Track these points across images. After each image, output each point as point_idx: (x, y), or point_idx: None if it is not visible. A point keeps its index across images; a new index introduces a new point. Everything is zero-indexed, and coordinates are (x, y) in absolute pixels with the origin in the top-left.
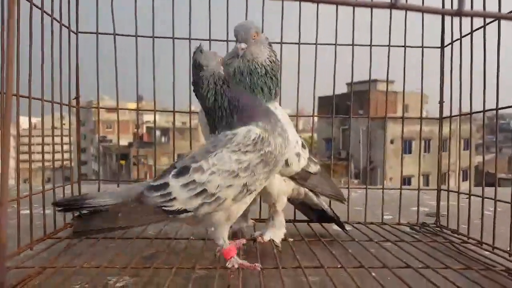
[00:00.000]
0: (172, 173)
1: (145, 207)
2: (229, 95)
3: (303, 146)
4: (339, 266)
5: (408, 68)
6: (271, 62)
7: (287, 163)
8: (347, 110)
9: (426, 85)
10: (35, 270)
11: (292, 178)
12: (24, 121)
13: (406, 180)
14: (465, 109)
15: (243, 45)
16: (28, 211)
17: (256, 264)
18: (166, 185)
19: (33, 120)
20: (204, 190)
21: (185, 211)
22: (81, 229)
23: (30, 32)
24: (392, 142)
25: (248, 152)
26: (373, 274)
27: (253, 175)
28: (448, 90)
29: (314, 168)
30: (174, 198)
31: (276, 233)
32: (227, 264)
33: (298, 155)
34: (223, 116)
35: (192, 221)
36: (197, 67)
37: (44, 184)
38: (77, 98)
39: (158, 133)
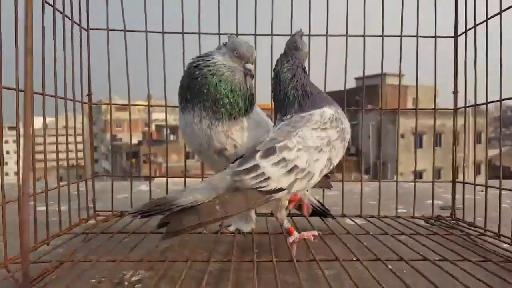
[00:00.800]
0: (258, 155)
1: (241, 192)
2: (304, 81)
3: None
4: (354, 259)
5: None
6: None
7: None
8: (356, 105)
9: (432, 76)
10: (53, 265)
11: None
12: (37, 121)
13: (417, 175)
14: (480, 100)
15: (252, 67)
16: (44, 208)
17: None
18: (257, 166)
19: (46, 119)
20: (296, 166)
21: (281, 189)
22: (175, 229)
23: (43, 30)
24: (402, 136)
25: (327, 129)
26: (390, 266)
27: (334, 149)
28: (461, 81)
29: None
30: (269, 178)
31: (243, 226)
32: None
33: None
34: (295, 99)
35: (280, 201)
36: (295, 47)
37: (58, 181)
38: (89, 95)
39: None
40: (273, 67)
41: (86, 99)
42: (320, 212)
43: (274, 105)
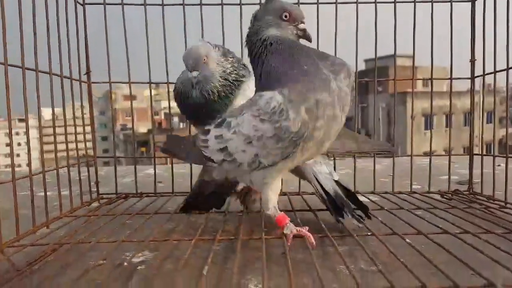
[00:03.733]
0: (216, 121)
1: (195, 148)
2: (268, 56)
3: None
4: (369, 233)
5: (426, 42)
6: (225, 79)
7: None
8: (366, 88)
9: (444, 55)
10: (50, 247)
11: None
12: (47, 112)
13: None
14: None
15: (194, 73)
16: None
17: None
18: (207, 131)
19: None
20: (226, 148)
21: (212, 161)
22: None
23: (33, 3)
24: (413, 118)
25: (264, 121)
26: (408, 240)
27: (265, 148)
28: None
29: None
30: (207, 146)
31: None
32: (284, 231)
33: None
34: (256, 76)
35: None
36: (255, 18)
37: (57, 161)
38: (88, 73)
39: (176, 119)
40: None
41: (84, 78)
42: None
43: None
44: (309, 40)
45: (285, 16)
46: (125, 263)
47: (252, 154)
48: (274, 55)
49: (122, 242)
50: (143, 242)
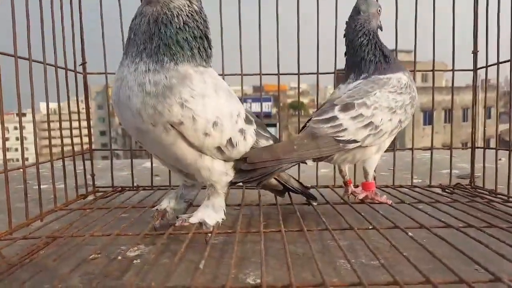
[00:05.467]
0: (337, 108)
1: (318, 139)
2: (381, 46)
3: (247, 119)
4: (370, 227)
5: (424, 37)
6: (191, 14)
7: (231, 144)
8: None
9: (444, 51)
10: (43, 240)
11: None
12: (43, 107)
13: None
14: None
15: None
16: (42, 185)
17: (389, 200)
18: (335, 118)
19: (51, 105)
20: (371, 123)
21: (354, 141)
22: (254, 160)
23: None
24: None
25: (402, 94)
26: (410, 234)
27: (405, 112)
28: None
29: (266, 143)
30: (345, 129)
31: (210, 215)
32: (359, 196)
33: (242, 132)
34: (371, 62)
35: (351, 153)
36: (356, 11)
37: (52, 154)
38: (83, 64)
39: None
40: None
41: (80, 69)
42: (301, 193)
43: (347, 68)
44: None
45: (378, 11)
46: (120, 257)
47: (396, 121)
48: (382, 45)
49: (117, 235)
50: (138, 236)
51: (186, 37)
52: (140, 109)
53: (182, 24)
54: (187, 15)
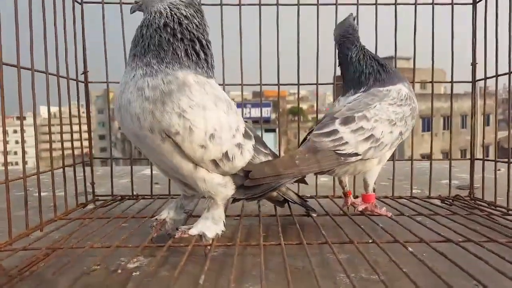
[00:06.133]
0: (338, 121)
1: (320, 153)
2: (377, 58)
3: (246, 134)
4: (370, 241)
5: (424, 44)
6: (176, 17)
7: (227, 157)
8: None
9: (444, 58)
10: (43, 252)
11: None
12: (45, 110)
13: (426, 158)
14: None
15: None
16: (42, 193)
17: (388, 212)
18: (336, 131)
19: (52, 109)
20: (372, 136)
21: (356, 154)
22: (256, 176)
23: (30, 1)
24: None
25: (402, 105)
26: (410, 249)
27: (406, 124)
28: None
29: (264, 159)
30: (346, 143)
31: (210, 227)
32: (359, 207)
33: (239, 146)
34: (371, 74)
35: (353, 165)
36: (354, 30)
37: (52, 162)
38: (85, 73)
39: None
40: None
41: (81, 78)
42: (300, 205)
43: (344, 83)
44: None
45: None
46: (120, 269)
47: (398, 132)
48: (376, 59)
49: (117, 247)
50: (138, 248)
51: (167, 38)
52: (139, 114)
53: (161, 25)
54: (167, 17)
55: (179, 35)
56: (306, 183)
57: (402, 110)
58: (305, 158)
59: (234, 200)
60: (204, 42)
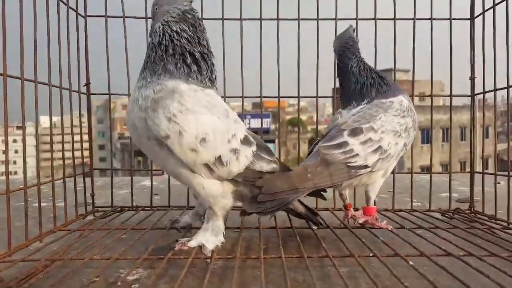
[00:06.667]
0: (346, 133)
1: (331, 165)
2: (375, 70)
3: (246, 141)
4: (371, 254)
5: (423, 56)
6: (168, 34)
7: (221, 162)
8: None
9: (442, 70)
10: (42, 263)
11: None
12: (46, 119)
13: (425, 170)
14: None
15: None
16: (42, 203)
17: (389, 225)
18: (346, 143)
19: (53, 119)
20: (380, 147)
21: (366, 166)
22: (269, 191)
23: (34, 14)
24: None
25: (405, 117)
26: (411, 263)
27: (409, 136)
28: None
29: (267, 167)
30: (357, 155)
31: (209, 239)
32: (359, 220)
33: (235, 151)
34: (372, 86)
35: (358, 178)
36: (354, 42)
37: (53, 173)
38: (87, 85)
39: None
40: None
41: (84, 89)
42: (307, 218)
43: (344, 95)
44: None
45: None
46: (119, 282)
47: (402, 144)
48: (376, 71)
49: (116, 259)
50: (137, 260)
51: (160, 54)
52: (135, 122)
53: (156, 43)
54: (159, 35)
55: (170, 51)
56: (323, 198)
57: (405, 121)
58: (317, 171)
59: (245, 213)
60: (197, 54)
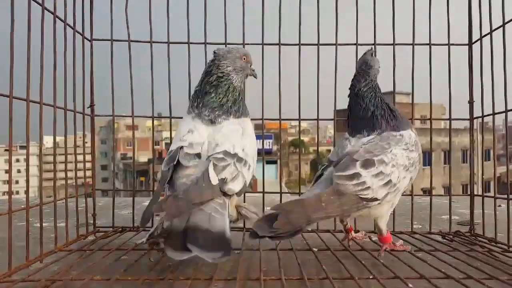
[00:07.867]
0: (358, 164)
1: (344, 196)
2: (386, 101)
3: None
4: (371, 277)
5: (424, 80)
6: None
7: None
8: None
9: (443, 93)
10: (42, 283)
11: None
12: (49, 139)
13: (426, 192)
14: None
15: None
16: (44, 223)
17: (407, 246)
18: (358, 175)
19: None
20: (390, 181)
21: (375, 199)
22: (283, 225)
23: (42, 37)
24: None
25: (413, 151)
26: (410, 285)
27: (415, 170)
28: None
29: (247, 172)
30: (369, 187)
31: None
32: (382, 253)
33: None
34: (383, 117)
35: (367, 210)
36: (367, 66)
37: (56, 194)
38: (91, 106)
39: None
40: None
41: (88, 111)
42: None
43: (352, 121)
44: None
45: (379, 67)
46: None
47: (409, 178)
48: (386, 103)
49: (116, 280)
50: (138, 280)
51: None
52: None
53: None
54: None
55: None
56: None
57: (413, 156)
58: (331, 201)
59: (257, 236)
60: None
